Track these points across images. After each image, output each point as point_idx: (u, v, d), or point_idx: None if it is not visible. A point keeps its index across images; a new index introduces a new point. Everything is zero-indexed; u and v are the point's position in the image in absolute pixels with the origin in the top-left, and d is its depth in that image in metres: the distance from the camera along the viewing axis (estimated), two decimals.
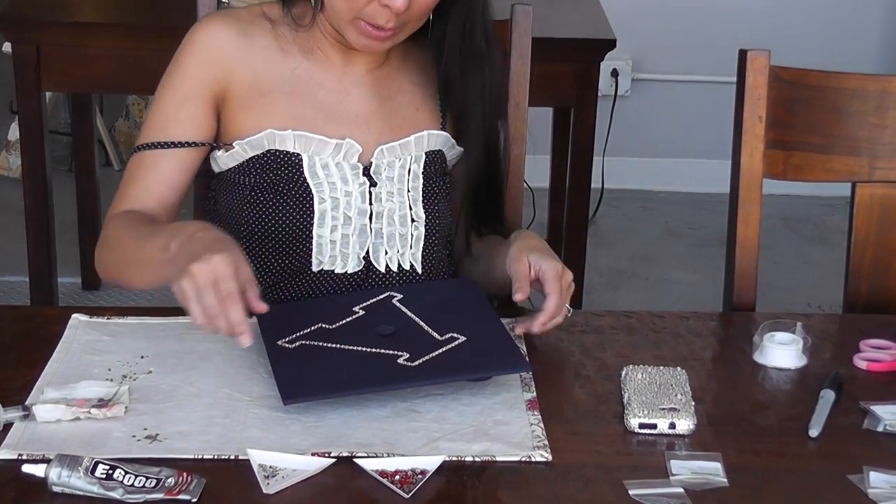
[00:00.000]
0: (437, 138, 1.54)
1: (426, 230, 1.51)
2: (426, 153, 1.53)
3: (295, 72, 1.49)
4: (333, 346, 1.31)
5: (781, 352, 1.37)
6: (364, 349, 1.31)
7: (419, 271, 1.51)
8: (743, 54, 1.60)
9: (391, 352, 1.30)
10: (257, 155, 1.47)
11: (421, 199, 1.52)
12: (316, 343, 1.32)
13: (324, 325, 1.36)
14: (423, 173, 1.52)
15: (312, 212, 1.46)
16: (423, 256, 1.51)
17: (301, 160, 1.46)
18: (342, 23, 1.44)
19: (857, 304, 1.65)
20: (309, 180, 1.46)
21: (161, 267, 1.29)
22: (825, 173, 1.63)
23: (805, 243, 3.63)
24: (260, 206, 1.46)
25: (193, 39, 1.49)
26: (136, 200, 1.47)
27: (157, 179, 1.47)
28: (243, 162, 1.47)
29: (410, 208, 1.51)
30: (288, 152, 1.46)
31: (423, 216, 1.51)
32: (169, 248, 1.28)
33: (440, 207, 1.54)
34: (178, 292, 1.24)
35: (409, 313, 1.38)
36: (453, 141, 1.55)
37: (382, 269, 1.49)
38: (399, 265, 1.50)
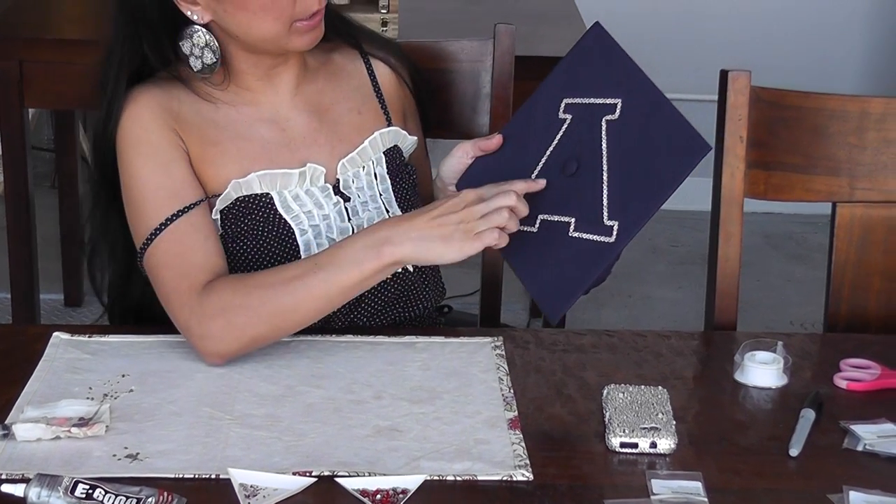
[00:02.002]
0: (389, 135, 1.56)
1: None
2: (384, 153, 1.54)
3: (229, 116, 1.48)
4: (543, 218, 1.36)
5: (762, 371, 1.37)
6: (566, 220, 1.34)
7: (410, 269, 1.53)
8: (724, 74, 1.61)
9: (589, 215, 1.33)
10: (227, 206, 1.46)
11: (394, 199, 1.53)
12: (523, 224, 1.35)
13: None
14: (388, 174, 1.54)
15: (297, 245, 1.46)
16: None
17: (272, 199, 1.46)
18: (280, 40, 1.43)
19: (838, 323, 1.65)
20: (285, 216, 1.46)
21: (370, 272, 1.33)
22: (805, 193, 1.64)
23: (787, 261, 3.64)
24: (244, 254, 1.46)
25: (136, 116, 1.43)
26: (201, 268, 1.39)
27: (203, 238, 1.41)
28: (217, 217, 1.46)
29: (387, 211, 1.52)
30: (257, 195, 1.46)
31: (401, 214, 1.52)
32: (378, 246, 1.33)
33: (413, 201, 1.56)
34: (468, 247, 1.31)
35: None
36: (404, 132, 1.57)
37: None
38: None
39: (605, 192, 1.32)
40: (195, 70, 1.45)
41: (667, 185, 1.29)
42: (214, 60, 1.44)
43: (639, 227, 1.30)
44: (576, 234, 1.33)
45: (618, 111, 1.35)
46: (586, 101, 1.38)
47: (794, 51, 3.74)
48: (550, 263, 1.34)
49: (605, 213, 1.31)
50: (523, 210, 1.33)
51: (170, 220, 1.41)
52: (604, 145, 1.35)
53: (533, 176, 1.40)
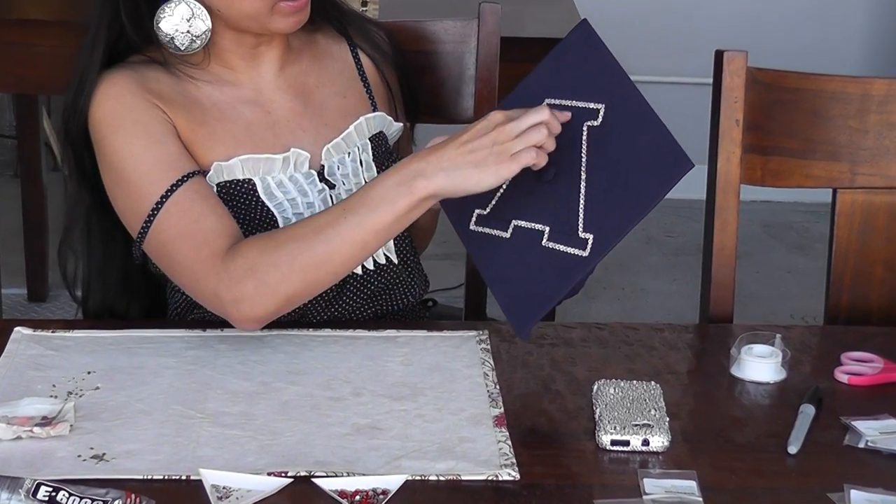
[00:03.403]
0: (374, 121, 1.56)
1: None
2: (370, 139, 1.54)
3: (212, 97, 1.48)
4: (516, 224, 1.35)
5: (760, 365, 1.38)
6: (538, 227, 1.33)
7: (395, 261, 1.53)
8: (719, 55, 1.61)
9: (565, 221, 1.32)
10: None
11: None
12: (496, 228, 1.36)
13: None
14: (374, 161, 1.54)
15: None
16: (395, 245, 1.53)
17: (254, 185, 1.46)
18: (262, 19, 1.43)
19: (839, 315, 1.66)
20: (268, 203, 1.46)
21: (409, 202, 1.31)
22: (804, 179, 1.64)
23: (788, 252, 3.65)
24: None
25: (115, 98, 1.42)
26: (220, 233, 1.37)
27: (212, 204, 1.40)
28: None
29: None
30: (239, 181, 1.46)
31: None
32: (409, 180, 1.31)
33: None
34: (505, 170, 1.29)
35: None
36: (390, 119, 1.58)
37: (360, 271, 1.50)
38: (374, 261, 1.51)
39: (581, 202, 1.32)
40: (182, 48, 1.44)
41: (646, 201, 1.28)
42: (206, 28, 1.43)
43: (614, 243, 1.29)
44: (549, 245, 1.32)
45: (600, 117, 1.35)
46: (568, 103, 1.37)
47: (793, 30, 3.75)
48: (520, 273, 1.33)
49: (581, 225, 1.31)
50: (557, 127, 1.31)
51: (170, 191, 1.39)
52: (583, 153, 1.34)
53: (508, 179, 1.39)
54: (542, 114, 1.30)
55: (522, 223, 1.36)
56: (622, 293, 3.34)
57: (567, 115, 1.34)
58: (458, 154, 1.30)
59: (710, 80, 1.63)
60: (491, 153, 1.29)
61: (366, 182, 1.52)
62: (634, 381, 1.32)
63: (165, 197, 1.39)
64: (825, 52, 3.73)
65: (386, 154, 1.56)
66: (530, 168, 1.32)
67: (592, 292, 3.27)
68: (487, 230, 1.37)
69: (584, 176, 1.32)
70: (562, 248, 1.31)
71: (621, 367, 1.40)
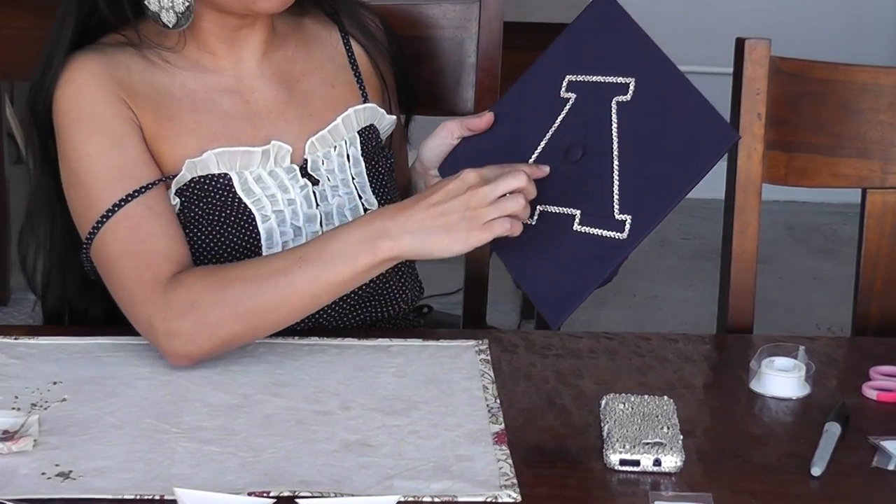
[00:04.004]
0: (365, 112, 1.56)
1: None
2: (358, 132, 1.55)
3: (186, 86, 1.48)
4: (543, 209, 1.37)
5: (781, 379, 1.38)
6: (572, 212, 1.35)
7: None
8: (740, 43, 1.62)
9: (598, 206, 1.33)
10: (181, 188, 1.46)
11: (368, 183, 1.54)
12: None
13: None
14: (362, 156, 1.54)
15: (258, 233, 1.46)
16: None
17: (231, 180, 1.47)
18: None
19: (868, 326, 1.67)
20: (245, 200, 1.47)
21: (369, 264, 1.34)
22: (832, 178, 1.65)
23: (813, 256, 3.66)
24: (198, 242, 1.46)
25: (79, 87, 1.42)
26: (165, 258, 1.38)
27: (164, 223, 1.41)
28: (175, 202, 1.46)
29: (360, 197, 1.53)
30: (214, 175, 1.46)
31: (376, 202, 1.53)
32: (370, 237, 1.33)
33: (390, 187, 1.56)
34: (475, 239, 1.31)
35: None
36: (382, 111, 1.58)
37: None
38: None
39: (616, 182, 1.33)
40: (170, 25, 1.43)
41: (689, 176, 1.29)
42: (188, 3, 1.43)
43: (655, 223, 1.30)
44: (581, 229, 1.34)
45: (630, 92, 1.36)
46: (593, 79, 1.39)
47: (821, 17, 3.75)
48: (551, 261, 1.34)
49: (616, 206, 1.32)
50: (533, 193, 1.33)
51: (123, 201, 1.40)
52: (614, 130, 1.35)
53: (532, 160, 1.41)
54: (518, 179, 1.32)
55: (550, 208, 1.37)
56: (634, 300, 3.34)
57: (545, 171, 1.37)
58: (428, 216, 1.32)
59: (730, 70, 1.63)
60: (462, 218, 1.31)
61: (352, 178, 1.53)
62: (646, 396, 1.32)
63: (116, 207, 1.40)
64: (855, 40, 3.73)
65: (376, 149, 1.57)
66: (554, 148, 1.33)
67: (602, 299, 3.28)
68: None
69: (616, 154, 1.34)
70: (597, 231, 1.32)
71: (632, 380, 1.40)
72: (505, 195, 1.31)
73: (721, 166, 1.63)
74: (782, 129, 1.63)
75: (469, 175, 1.32)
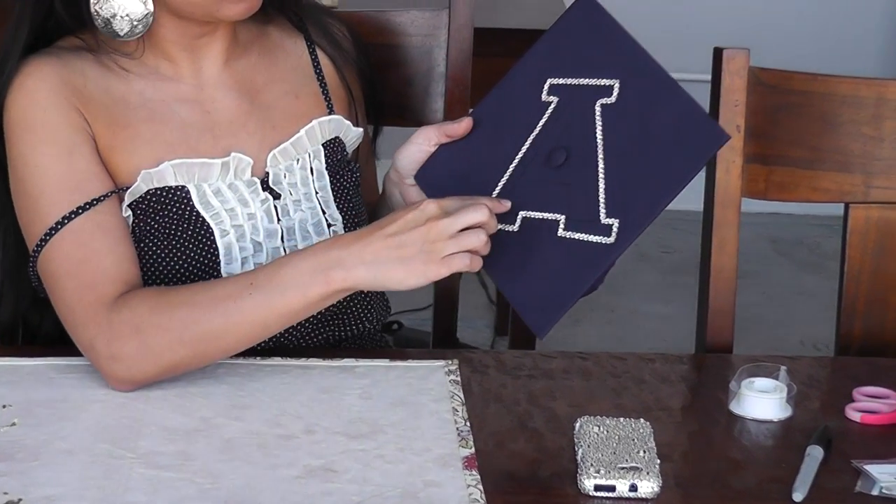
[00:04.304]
0: (330, 125, 1.57)
1: (346, 232, 1.53)
2: (323, 145, 1.55)
3: (143, 94, 1.48)
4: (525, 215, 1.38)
5: (762, 401, 1.39)
6: (555, 217, 1.35)
7: None
8: (718, 53, 1.62)
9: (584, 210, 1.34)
10: (137, 201, 1.45)
11: (332, 198, 1.54)
12: (501, 222, 1.37)
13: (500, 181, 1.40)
14: (326, 169, 1.55)
15: (216, 248, 1.46)
16: None
17: (188, 193, 1.47)
18: (209, 5, 1.43)
19: (851, 345, 1.67)
20: (204, 213, 1.47)
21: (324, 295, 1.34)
22: (812, 192, 1.66)
23: (798, 270, 3.68)
24: (154, 257, 1.46)
25: (31, 93, 1.42)
26: (111, 278, 1.39)
27: (113, 241, 1.41)
28: (128, 214, 1.45)
29: (324, 212, 1.53)
30: (171, 188, 1.46)
31: (340, 217, 1.54)
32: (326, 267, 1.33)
33: (355, 203, 1.57)
34: (432, 273, 1.31)
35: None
36: (348, 123, 1.58)
37: None
38: None
39: (601, 185, 1.34)
40: (121, 34, 1.43)
41: (678, 177, 1.30)
42: (146, 11, 1.43)
43: (644, 226, 1.31)
44: (566, 234, 1.34)
45: (615, 94, 1.37)
46: (576, 81, 1.40)
47: (801, 27, 3.77)
48: (536, 268, 1.35)
49: (603, 210, 1.33)
50: (494, 228, 1.34)
51: (69, 217, 1.40)
52: (598, 133, 1.36)
53: (512, 167, 1.42)
54: (480, 213, 1.32)
55: (533, 214, 1.38)
56: (612, 316, 3.35)
57: (506, 206, 1.37)
58: (384, 247, 1.32)
59: (708, 78, 1.64)
60: (420, 251, 1.31)
61: (316, 192, 1.53)
62: (621, 419, 1.32)
63: (63, 222, 1.40)
64: (837, 51, 3.75)
65: (341, 163, 1.57)
66: (536, 153, 1.34)
67: (579, 315, 3.29)
68: None
69: (601, 157, 1.35)
70: (582, 236, 1.33)
71: (607, 402, 1.41)
72: (466, 229, 1.32)
73: (699, 179, 1.65)
74: (761, 142, 1.64)
75: (429, 206, 1.33)
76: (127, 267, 1.41)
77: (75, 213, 1.40)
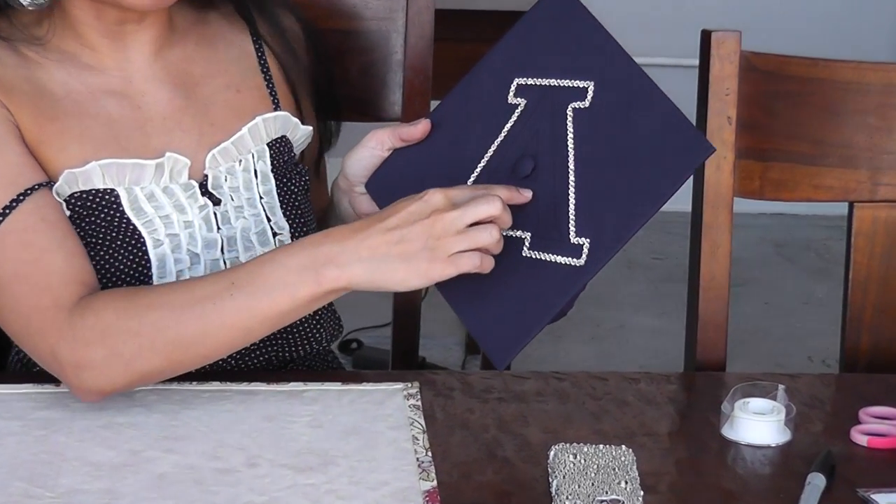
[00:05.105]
0: (276, 122, 1.57)
1: (294, 240, 1.53)
2: (268, 145, 1.56)
3: (67, 84, 1.48)
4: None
5: (758, 424, 1.39)
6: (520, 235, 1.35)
7: None
8: (706, 36, 1.63)
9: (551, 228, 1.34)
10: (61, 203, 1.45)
11: (279, 204, 1.55)
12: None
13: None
14: (272, 172, 1.55)
15: (148, 259, 1.46)
16: None
17: (118, 197, 1.47)
18: None
19: (858, 360, 1.68)
20: (135, 220, 1.47)
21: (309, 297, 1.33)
22: (814, 191, 1.67)
23: (805, 277, 3.69)
24: None
25: None
26: (68, 278, 1.38)
27: (61, 235, 1.41)
28: None
29: (269, 220, 1.53)
30: (98, 191, 1.46)
31: (287, 225, 1.54)
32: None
33: (304, 208, 1.57)
34: (442, 271, 1.30)
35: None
36: (296, 120, 1.59)
37: None
38: None
39: (572, 200, 1.34)
40: (24, 2, 1.43)
41: (657, 192, 1.30)
42: None
43: (618, 248, 1.31)
44: (531, 254, 1.35)
45: (588, 97, 1.37)
46: (546, 82, 1.40)
47: (798, 6, 3.78)
48: (496, 292, 1.35)
49: (573, 229, 1.33)
50: (508, 223, 1.32)
51: (7, 209, 1.39)
52: (570, 140, 1.36)
53: (474, 177, 1.42)
54: (493, 205, 1.30)
55: None
56: (598, 331, 3.35)
57: (527, 196, 1.36)
58: (383, 242, 1.31)
59: (695, 63, 1.65)
60: (424, 247, 1.30)
61: (260, 197, 1.53)
62: (601, 446, 1.33)
63: (1, 219, 1.39)
64: (839, 33, 3.76)
65: (289, 164, 1.57)
66: (501, 161, 1.33)
67: (560, 330, 3.29)
68: None
69: (572, 169, 1.35)
70: (549, 257, 1.33)
71: (585, 427, 1.41)
72: (476, 224, 1.31)
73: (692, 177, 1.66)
74: (756, 135, 1.65)
75: (434, 196, 1.31)
76: (80, 264, 1.40)
77: (12, 205, 1.40)
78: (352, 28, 1.77)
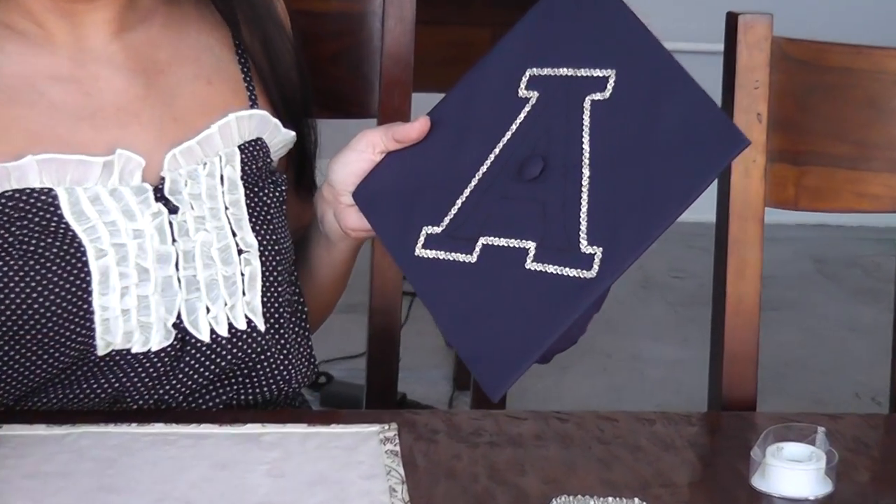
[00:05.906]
0: (252, 121, 1.57)
1: (263, 262, 1.53)
2: (240, 147, 1.56)
3: (9, 68, 1.49)
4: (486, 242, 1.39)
5: (794, 473, 1.39)
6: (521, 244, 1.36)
7: (261, 328, 1.53)
8: (732, 20, 1.64)
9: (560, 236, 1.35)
10: None
11: (246, 217, 1.54)
12: (455, 251, 1.39)
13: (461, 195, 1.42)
14: (242, 179, 1.54)
15: (88, 272, 1.46)
16: (263, 303, 1.53)
17: (56, 198, 1.47)
18: None
19: None
20: (75, 226, 1.46)
21: None
22: (857, 200, 1.67)
23: (851, 300, 3.70)
24: (7, 277, 1.45)
25: None
26: None
27: None
28: None
29: (234, 234, 1.53)
30: (34, 190, 1.46)
31: (255, 242, 1.54)
32: None
33: (277, 224, 1.57)
34: None
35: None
36: (275, 121, 1.59)
37: (206, 338, 1.50)
38: (230, 325, 1.51)
39: (584, 204, 1.34)
40: None
41: (682, 191, 1.31)
42: None
43: (634, 257, 1.31)
44: (535, 267, 1.35)
45: (609, 88, 1.38)
46: (562, 72, 1.41)
47: None
48: (494, 311, 1.35)
49: (584, 236, 1.33)
50: None
51: None
52: (585, 136, 1.37)
53: (475, 181, 1.43)
54: None
55: (495, 240, 1.38)
56: (609, 362, 3.36)
57: None
58: None
59: (720, 49, 1.65)
60: None
61: (225, 207, 1.53)
62: (610, 499, 1.32)
63: None
64: (889, 17, 3.78)
65: (263, 172, 1.57)
66: (506, 162, 1.34)
67: (566, 361, 3.30)
68: (443, 255, 1.40)
69: (587, 168, 1.36)
70: (556, 269, 1.33)
71: (592, 476, 1.40)
72: None
73: (713, 184, 1.66)
74: (790, 135, 1.66)
75: None
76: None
77: None
78: (321, 10, 1.78)
